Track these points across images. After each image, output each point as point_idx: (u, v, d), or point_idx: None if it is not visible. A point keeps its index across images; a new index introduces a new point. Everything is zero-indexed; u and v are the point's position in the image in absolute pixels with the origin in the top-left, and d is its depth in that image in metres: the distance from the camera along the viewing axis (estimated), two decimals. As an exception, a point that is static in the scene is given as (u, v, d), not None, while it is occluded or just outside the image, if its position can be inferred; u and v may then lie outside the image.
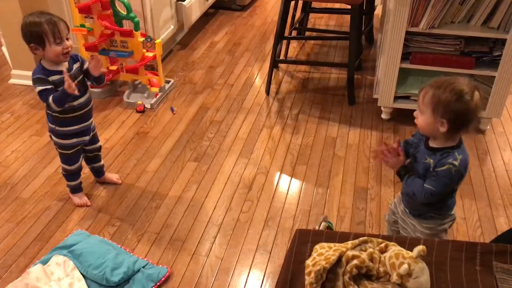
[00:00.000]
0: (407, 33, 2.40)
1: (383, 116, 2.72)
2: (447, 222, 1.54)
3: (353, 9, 2.72)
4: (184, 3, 3.41)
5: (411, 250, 1.14)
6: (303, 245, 1.21)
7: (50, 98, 1.80)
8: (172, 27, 3.38)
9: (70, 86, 1.75)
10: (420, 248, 1.12)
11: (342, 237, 1.25)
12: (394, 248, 1.17)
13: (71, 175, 2.10)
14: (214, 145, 2.54)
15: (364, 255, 1.14)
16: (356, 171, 2.34)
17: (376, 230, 2.01)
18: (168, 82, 3.03)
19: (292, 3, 3.09)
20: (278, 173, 2.34)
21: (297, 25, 3.40)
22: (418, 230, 1.55)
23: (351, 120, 2.73)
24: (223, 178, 2.31)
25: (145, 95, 2.90)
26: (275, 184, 2.27)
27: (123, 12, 2.71)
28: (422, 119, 1.39)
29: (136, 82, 2.96)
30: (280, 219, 2.07)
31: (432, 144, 1.43)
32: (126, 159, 2.42)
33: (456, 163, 1.36)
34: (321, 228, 1.70)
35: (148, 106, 2.83)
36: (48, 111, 1.91)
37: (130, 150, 2.49)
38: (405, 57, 2.50)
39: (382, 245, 1.20)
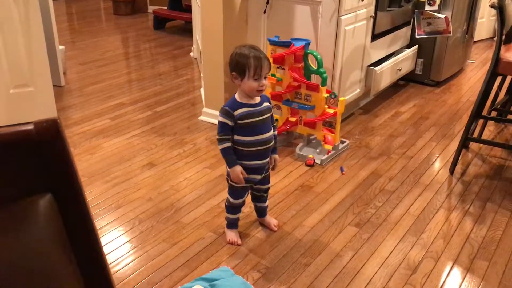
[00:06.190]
0: None
1: None
2: None
3: None
4: (376, 68, 3.33)
5: None
6: None
7: (222, 144, 1.91)
8: (358, 90, 3.31)
9: (237, 177, 1.92)
10: None
11: None
12: None
13: (232, 208, 2.09)
14: (381, 214, 2.31)
15: None
16: (556, 285, 1.86)
17: None
18: (343, 142, 2.93)
19: (497, 81, 2.77)
20: (451, 263, 1.99)
21: (498, 107, 3.03)
22: None
23: (555, 223, 2.24)
24: (384, 252, 2.05)
25: (318, 150, 2.84)
26: (445, 274, 1.93)
27: (314, 66, 2.74)
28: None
29: (311, 137, 2.93)
30: (446, 317, 1.72)
31: None
32: (286, 209, 2.34)
33: None
34: None
35: (318, 161, 2.75)
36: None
37: (291, 201, 2.41)
38: None
39: None
